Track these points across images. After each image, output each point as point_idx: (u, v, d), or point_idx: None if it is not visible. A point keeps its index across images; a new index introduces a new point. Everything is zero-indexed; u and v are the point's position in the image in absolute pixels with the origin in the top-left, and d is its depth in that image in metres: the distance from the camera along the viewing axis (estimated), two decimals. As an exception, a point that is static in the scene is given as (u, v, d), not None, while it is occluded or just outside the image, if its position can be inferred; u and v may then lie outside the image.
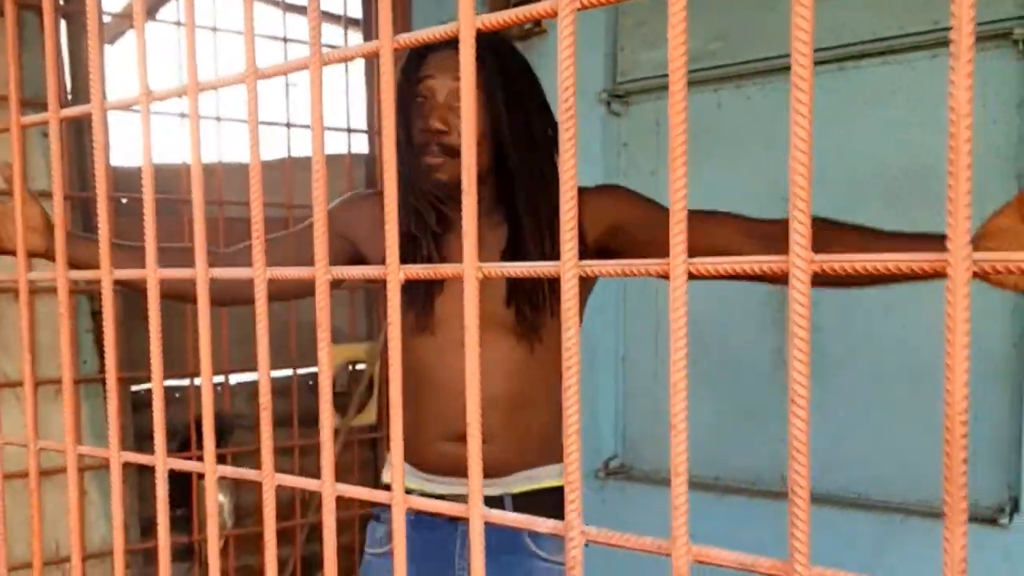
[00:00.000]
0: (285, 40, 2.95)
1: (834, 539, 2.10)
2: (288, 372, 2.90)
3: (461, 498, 1.49)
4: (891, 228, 1.21)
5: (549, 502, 1.62)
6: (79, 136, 2.66)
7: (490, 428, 1.56)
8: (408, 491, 1.53)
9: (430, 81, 1.51)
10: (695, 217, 1.33)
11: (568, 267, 0.66)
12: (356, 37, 3.24)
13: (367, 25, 3.23)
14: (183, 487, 2.67)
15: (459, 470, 1.56)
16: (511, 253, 1.55)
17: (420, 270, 0.75)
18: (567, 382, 0.69)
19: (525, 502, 1.61)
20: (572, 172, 0.67)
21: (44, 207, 1.52)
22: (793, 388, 0.61)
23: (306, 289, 1.56)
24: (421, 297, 1.57)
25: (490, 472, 1.59)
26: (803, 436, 0.61)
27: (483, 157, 1.52)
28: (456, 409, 1.56)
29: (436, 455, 1.60)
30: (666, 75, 2.53)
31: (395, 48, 0.75)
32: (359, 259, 1.63)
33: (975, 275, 0.56)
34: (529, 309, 1.54)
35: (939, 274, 0.57)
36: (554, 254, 1.48)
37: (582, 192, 1.54)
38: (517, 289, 1.54)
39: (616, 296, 2.71)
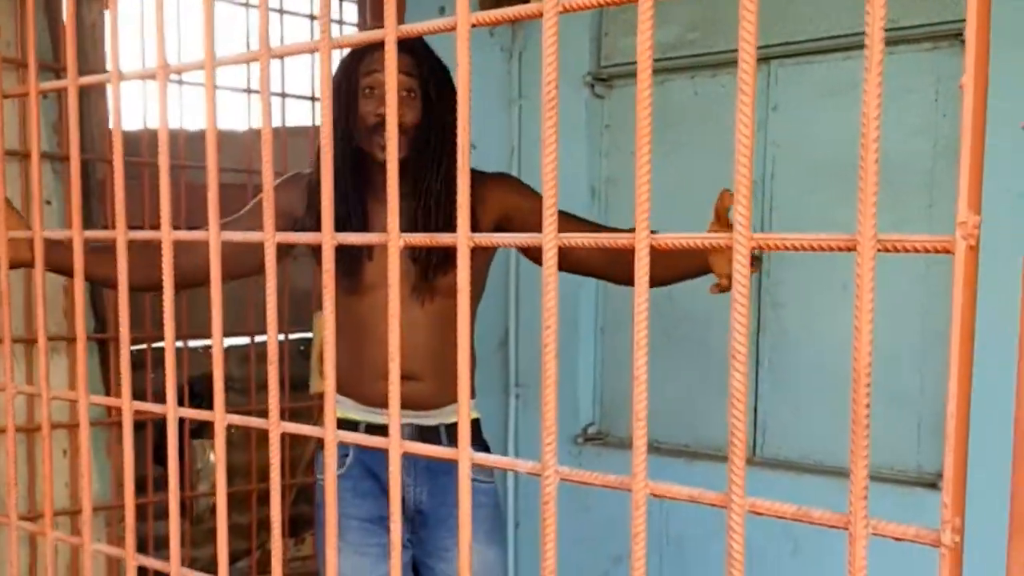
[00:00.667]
0: (282, 12, 3.01)
1: (794, 503, 2.20)
2: (281, 337, 2.98)
3: (404, 426, 1.75)
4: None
5: (475, 430, 1.98)
6: (89, 95, 2.69)
7: (419, 370, 1.89)
8: (355, 422, 1.94)
9: (378, 75, 1.82)
10: (563, 218, 1.67)
11: (549, 239, 0.77)
12: (350, 9, 3.29)
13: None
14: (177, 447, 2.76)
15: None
16: (414, 221, 1.85)
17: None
18: (545, 340, 0.81)
19: (456, 431, 1.87)
20: (553, 163, 0.78)
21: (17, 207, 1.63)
22: (734, 345, 0.72)
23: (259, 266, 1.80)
24: (349, 263, 1.87)
25: (424, 405, 1.92)
26: (741, 387, 0.72)
27: (419, 136, 1.85)
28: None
29: (376, 392, 1.91)
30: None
31: (398, 37, 0.86)
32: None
33: (880, 251, 0.66)
34: (431, 270, 1.88)
35: (852, 250, 0.67)
36: (447, 225, 1.81)
37: (482, 177, 1.90)
38: (420, 255, 1.87)
39: (592, 272, 2.83)
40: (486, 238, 0.83)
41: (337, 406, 1.94)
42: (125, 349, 1.14)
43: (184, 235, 1.05)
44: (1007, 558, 0.63)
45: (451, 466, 1.80)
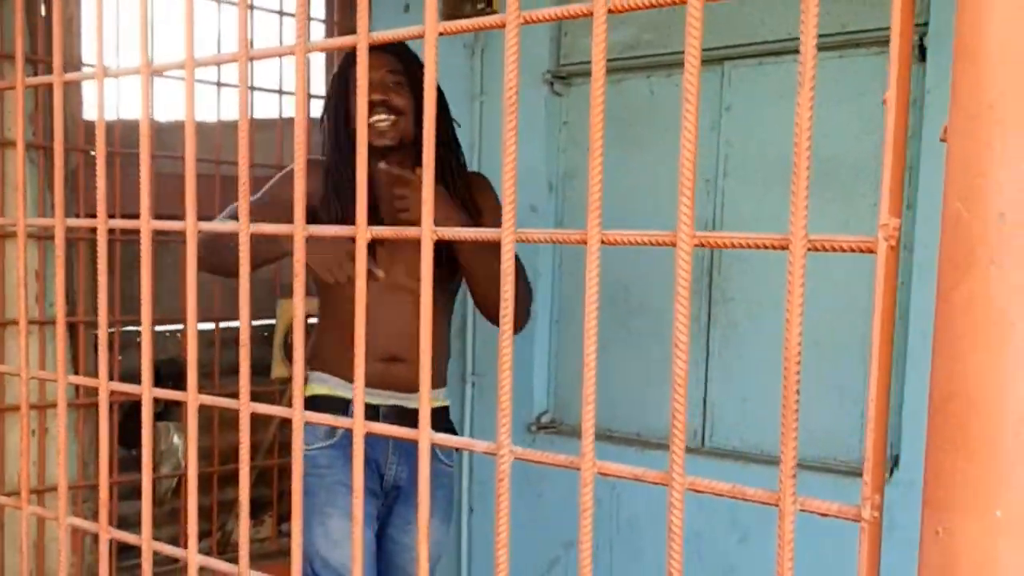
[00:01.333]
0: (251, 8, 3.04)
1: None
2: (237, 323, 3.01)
3: (386, 406, 2.08)
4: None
5: (444, 417, 2.22)
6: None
7: (405, 352, 2.05)
8: (343, 399, 2.06)
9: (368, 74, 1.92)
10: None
11: (507, 234, 0.82)
12: (317, 5, 3.35)
13: (329, 17, 3.38)
14: (140, 428, 2.79)
15: (385, 383, 2.06)
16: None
17: (385, 231, 0.93)
18: (503, 325, 0.86)
19: (437, 416, 2.14)
20: (512, 160, 0.84)
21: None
22: (676, 336, 0.78)
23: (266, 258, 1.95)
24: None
25: (409, 387, 2.06)
26: (683, 374, 0.77)
27: (412, 126, 2.05)
28: (386, 336, 2.05)
29: (367, 371, 1.90)
30: (607, 60, 2.70)
31: (369, 44, 0.92)
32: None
33: (810, 250, 0.72)
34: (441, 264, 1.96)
35: (784, 248, 0.73)
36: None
37: (467, 173, 2.17)
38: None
39: (550, 262, 2.88)
40: (448, 232, 0.89)
41: (324, 384, 2.12)
42: (103, 332, 1.18)
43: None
44: (920, 528, 0.69)
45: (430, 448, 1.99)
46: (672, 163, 2.57)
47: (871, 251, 0.69)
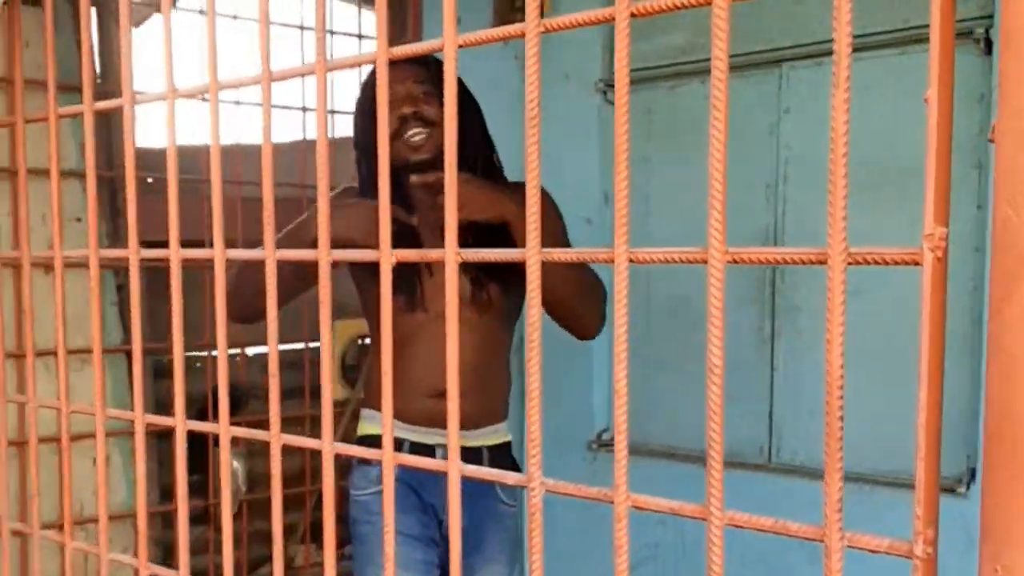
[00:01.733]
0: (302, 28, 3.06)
1: (808, 508, 2.20)
2: (300, 345, 3.01)
3: (442, 445, 1.88)
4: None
5: (505, 453, 1.99)
6: (106, 117, 2.75)
7: (461, 387, 1.73)
8: (397, 440, 1.88)
9: (396, 86, 1.81)
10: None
11: (532, 254, 0.78)
12: (370, 16, 3.31)
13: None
14: (199, 454, 2.79)
15: (437, 421, 1.83)
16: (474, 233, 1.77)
17: (409, 254, 0.89)
18: (529, 353, 0.82)
19: (498, 452, 1.96)
20: (536, 172, 0.79)
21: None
22: (710, 359, 0.73)
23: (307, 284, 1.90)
24: (408, 281, 1.87)
25: (465, 423, 1.82)
26: (718, 399, 0.73)
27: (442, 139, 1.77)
28: (437, 370, 1.80)
29: (417, 409, 1.89)
30: (656, 66, 2.64)
31: (389, 59, 0.88)
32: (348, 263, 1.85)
33: (850, 263, 0.67)
34: (488, 288, 1.88)
35: (823, 263, 0.68)
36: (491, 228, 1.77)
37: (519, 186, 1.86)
38: (470, 268, 1.86)
39: (608, 277, 2.82)
40: (473, 253, 0.85)
41: (374, 423, 2.00)
42: (138, 363, 1.17)
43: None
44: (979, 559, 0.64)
45: (488, 489, 1.92)
46: (732, 170, 2.51)
47: (916, 263, 0.64)
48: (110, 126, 2.77)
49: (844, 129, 0.68)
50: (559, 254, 0.80)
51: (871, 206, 2.20)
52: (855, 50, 2.14)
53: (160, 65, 1.05)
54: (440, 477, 1.78)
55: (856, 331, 2.31)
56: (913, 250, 0.64)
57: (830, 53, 2.29)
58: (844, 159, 0.67)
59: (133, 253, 1.13)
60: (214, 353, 2.86)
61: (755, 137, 2.49)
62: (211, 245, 1.02)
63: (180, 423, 1.13)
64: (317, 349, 3.09)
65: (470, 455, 1.90)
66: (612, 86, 2.71)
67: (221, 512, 3.03)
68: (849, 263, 0.67)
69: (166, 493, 2.86)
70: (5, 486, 1.39)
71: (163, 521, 2.86)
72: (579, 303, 1.84)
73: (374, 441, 1.86)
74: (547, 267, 1.83)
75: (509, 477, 0.87)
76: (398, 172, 1.79)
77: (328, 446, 0.99)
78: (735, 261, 0.73)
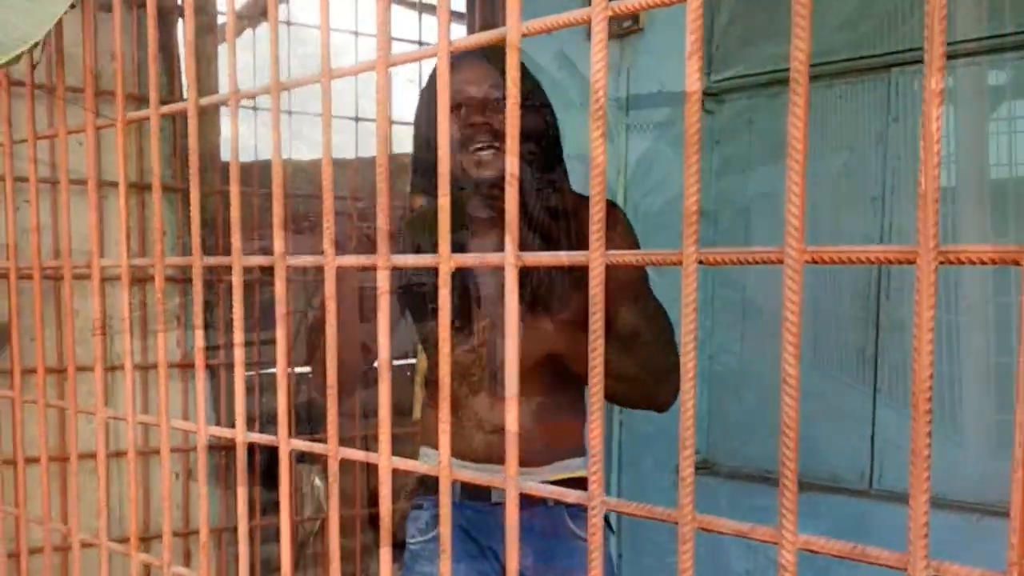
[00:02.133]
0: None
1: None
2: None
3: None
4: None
5: (580, 489, 1.67)
6: (199, 128, 2.78)
7: (521, 422, 1.59)
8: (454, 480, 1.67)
9: (463, 89, 1.62)
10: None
11: (595, 257, 0.72)
12: (460, 30, 3.23)
13: (471, 16, 3.17)
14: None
15: (494, 457, 1.68)
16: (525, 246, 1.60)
17: (468, 258, 0.83)
18: (592, 363, 0.76)
19: (572, 487, 1.76)
20: (601, 169, 0.73)
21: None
22: (785, 369, 0.66)
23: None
24: (459, 306, 1.68)
25: (526, 461, 1.65)
26: (793, 413, 0.66)
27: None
28: (495, 404, 1.70)
29: (473, 444, 1.71)
30: (757, 73, 2.55)
31: (452, 50, 0.82)
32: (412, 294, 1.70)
33: (942, 263, 0.60)
34: (547, 303, 1.64)
35: (912, 262, 0.61)
36: (575, 245, 1.58)
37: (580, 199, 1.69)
38: (526, 290, 1.64)
39: (704, 299, 2.73)
40: (532, 257, 0.79)
41: (430, 461, 1.83)
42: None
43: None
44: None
45: (557, 526, 1.72)
46: (842, 176, 2.40)
47: (1016, 263, 0.57)
48: (202, 137, 2.80)
49: (936, 128, 0.61)
50: (623, 256, 0.74)
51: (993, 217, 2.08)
52: (968, 55, 2.03)
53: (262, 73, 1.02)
54: (495, 516, 1.68)
55: (967, 346, 2.20)
56: (1011, 248, 0.57)
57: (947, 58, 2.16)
58: (937, 156, 0.60)
59: (196, 262, 1.10)
60: (299, 370, 2.86)
61: (807, 148, 2.39)
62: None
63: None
64: (399, 367, 3.07)
65: (532, 496, 1.72)
66: (710, 94, 2.65)
67: (306, 529, 3.01)
68: (940, 262, 0.60)
69: (253, 508, 2.87)
70: (76, 499, 1.38)
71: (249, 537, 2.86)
72: (650, 365, 1.63)
73: (429, 482, 1.75)
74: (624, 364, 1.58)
75: (569, 495, 0.81)
76: (459, 189, 1.65)
77: (385, 460, 0.94)
78: (813, 261, 0.66)
